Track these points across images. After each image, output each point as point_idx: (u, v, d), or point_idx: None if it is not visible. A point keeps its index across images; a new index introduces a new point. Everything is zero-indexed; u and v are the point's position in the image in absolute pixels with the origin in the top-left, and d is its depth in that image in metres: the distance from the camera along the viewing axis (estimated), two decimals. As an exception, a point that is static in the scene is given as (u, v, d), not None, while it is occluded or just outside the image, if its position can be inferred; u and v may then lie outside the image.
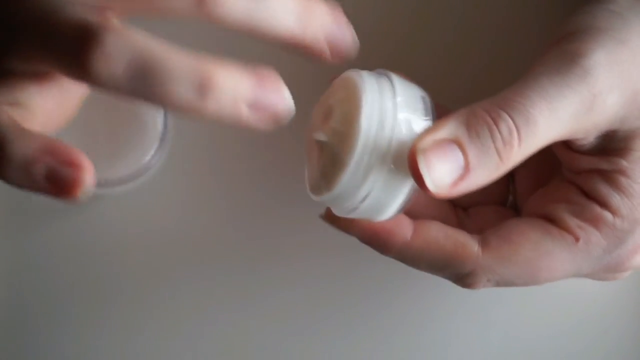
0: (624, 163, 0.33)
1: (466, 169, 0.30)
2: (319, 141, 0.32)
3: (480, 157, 0.30)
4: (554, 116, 0.30)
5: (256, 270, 0.43)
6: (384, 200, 0.32)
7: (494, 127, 0.30)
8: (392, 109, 0.31)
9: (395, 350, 0.44)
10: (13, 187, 0.28)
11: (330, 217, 0.35)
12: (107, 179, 0.38)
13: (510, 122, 0.30)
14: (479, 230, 0.35)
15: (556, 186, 0.35)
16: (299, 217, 0.42)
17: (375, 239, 0.34)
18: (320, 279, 0.43)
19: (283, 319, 0.44)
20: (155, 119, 0.39)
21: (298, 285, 0.43)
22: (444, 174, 0.29)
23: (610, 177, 0.33)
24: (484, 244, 0.34)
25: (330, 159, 0.31)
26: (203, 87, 0.26)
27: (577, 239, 0.33)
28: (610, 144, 0.33)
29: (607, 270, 0.35)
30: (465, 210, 0.38)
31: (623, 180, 0.33)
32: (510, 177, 0.39)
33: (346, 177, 0.31)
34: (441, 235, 0.34)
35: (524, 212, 0.37)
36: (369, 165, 0.31)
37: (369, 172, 0.31)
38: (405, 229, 0.34)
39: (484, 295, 0.43)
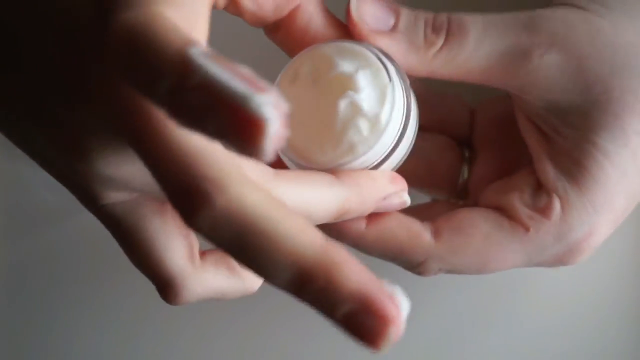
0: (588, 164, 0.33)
1: (393, 28, 0.33)
2: (352, 103, 0.31)
3: (409, 29, 0.33)
4: (487, 40, 0.32)
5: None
6: (394, 159, 0.32)
7: (431, 17, 0.33)
8: (403, 77, 0.32)
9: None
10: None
11: None
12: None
13: (445, 19, 0.33)
14: (427, 219, 0.35)
15: (513, 178, 0.36)
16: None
17: (331, 228, 0.34)
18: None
19: (279, 318, 0.44)
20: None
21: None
22: (370, 15, 0.32)
23: (569, 167, 0.33)
24: (436, 234, 0.34)
25: (355, 123, 0.31)
26: (300, 282, 0.22)
27: (527, 230, 0.34)
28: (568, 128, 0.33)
29: (558, 259, 0.35)
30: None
31: (584, 172, 0.33)
32: (466, 162, 0.39)
33: (383, 139, 0.31)
34: (395, 224, 0.34)
35: (479, 203, 0.37)
36: (400, 127, 0.31)
37: (400, 133, 0.32)
38: (360, 219, 0.34)
39: (481, 295, 0.44)
